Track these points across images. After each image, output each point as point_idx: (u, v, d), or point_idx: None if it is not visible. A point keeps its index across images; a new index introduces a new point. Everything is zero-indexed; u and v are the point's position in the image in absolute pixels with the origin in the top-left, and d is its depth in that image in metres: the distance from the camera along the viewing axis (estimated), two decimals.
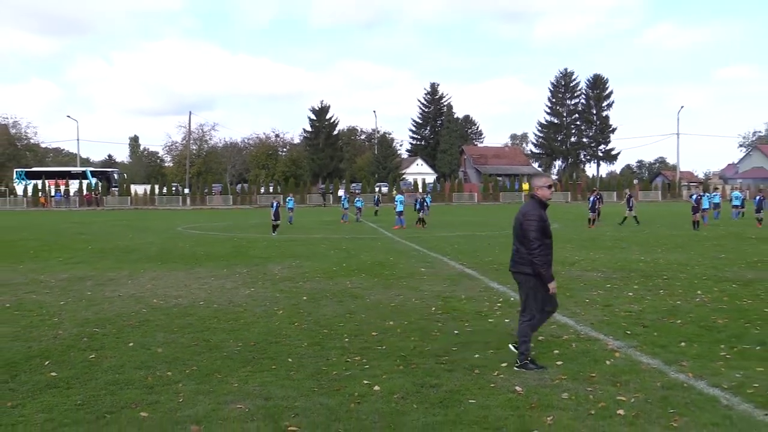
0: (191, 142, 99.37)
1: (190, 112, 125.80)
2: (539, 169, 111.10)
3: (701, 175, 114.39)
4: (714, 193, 41.69)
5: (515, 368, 7.13)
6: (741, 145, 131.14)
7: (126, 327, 9.72)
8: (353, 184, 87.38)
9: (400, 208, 33.73)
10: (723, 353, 7.69)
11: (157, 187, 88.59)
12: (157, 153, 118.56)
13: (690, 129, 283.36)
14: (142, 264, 18.21)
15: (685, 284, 13.15)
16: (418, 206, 35.12)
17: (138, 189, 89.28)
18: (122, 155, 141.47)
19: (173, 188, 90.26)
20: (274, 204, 30.36)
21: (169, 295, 12.68)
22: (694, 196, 30.58)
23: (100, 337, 9.02)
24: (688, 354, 7.67)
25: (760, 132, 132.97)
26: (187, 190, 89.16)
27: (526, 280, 7.28)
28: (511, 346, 7.73)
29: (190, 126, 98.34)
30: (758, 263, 16.42)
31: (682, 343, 8.17)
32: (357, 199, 44.60)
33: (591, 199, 32.97)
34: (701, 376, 6.78)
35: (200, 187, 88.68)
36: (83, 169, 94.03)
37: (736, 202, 37.67)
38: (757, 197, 32.70)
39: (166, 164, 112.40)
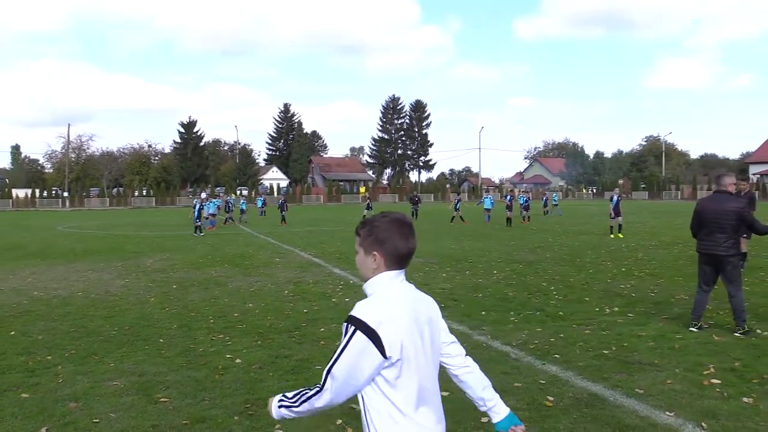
0: (70, 150, 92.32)
1: (69, 124, 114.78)
2: (373, 176, 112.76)
3: (497, 181, 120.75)
4: (554, 194, 42.74)
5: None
6: (526, 158, 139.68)
7: (7, 317, 8.89)
8: (217, 188, 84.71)
9: (212, 210, 30.23)
10: (512, 318, 8.19)
11: (37, 191, 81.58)
12: (38, 160, 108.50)
13: (489, 144, 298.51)
14: (23, 260, 16.68)
15: (485, 266, 13.85)
16: (228, 208, 34.08)
17: (19, 193, 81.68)
18: (4, 162, 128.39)
19: (53, 192, 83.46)
20: (197, 205, 25.83)
21: (49, 288, 11.71)
22: (508, 197, 30.06)
23: None
24: (487, 320, 8.09)
25: (539, 147, 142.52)
26: (66, 194, 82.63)
27: None
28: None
29: (69, 136, 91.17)
30: (538, 248, 17.60)
31: (483, 312, 8.61)
32: (225, 199, 37.98)
33: (507, 198, 30.19)
34: (497, 337, 7.18)
35: (79, 191, 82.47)
36: None
37: (522, 201, 38.37)
38: (524, 197, 32.44)
39: (46, 170, 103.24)
